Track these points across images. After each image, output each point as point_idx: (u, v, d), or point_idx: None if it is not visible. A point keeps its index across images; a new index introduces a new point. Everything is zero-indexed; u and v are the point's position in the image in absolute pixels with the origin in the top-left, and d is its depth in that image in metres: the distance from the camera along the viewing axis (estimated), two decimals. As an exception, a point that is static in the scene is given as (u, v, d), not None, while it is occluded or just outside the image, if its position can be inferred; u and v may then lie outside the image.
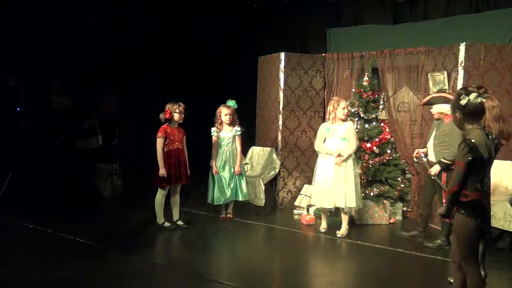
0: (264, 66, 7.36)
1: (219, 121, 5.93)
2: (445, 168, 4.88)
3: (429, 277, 4.29)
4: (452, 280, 3.69)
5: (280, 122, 6.89)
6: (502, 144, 3.00)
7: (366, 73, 6.32)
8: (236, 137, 5.98)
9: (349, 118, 6.24)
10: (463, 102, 2.89)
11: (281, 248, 5.25)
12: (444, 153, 4.88)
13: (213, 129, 5.98)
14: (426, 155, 5.12)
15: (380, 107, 6.27)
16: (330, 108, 5.46)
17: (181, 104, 5.47)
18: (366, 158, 6.06)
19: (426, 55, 6.15)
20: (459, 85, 5.45)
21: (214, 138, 5.98)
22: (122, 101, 7.73)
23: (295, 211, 6.62)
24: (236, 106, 6.04)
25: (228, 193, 5.95)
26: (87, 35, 7.04)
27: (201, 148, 6.31)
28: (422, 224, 5.37)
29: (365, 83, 6.23)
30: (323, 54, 7.24)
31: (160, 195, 5.50)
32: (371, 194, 5.99)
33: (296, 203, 6.76)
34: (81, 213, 6.36)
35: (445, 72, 5.66)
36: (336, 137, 5.40)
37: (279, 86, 6.88)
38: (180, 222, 5.65)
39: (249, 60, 7.87)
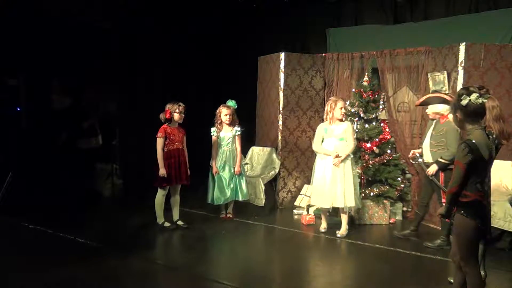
0: (264, 66, 7.36)
1: (219, 121, 5.93)
2: (443, 168, 4.89)
3: (429, 277, 4.29)
4: (452, 280, 3.69)
5: (280, 122, 6.89)
6: (503, 144, 3.00)
7: (366, 73, 6.31)
8: (236, 137, 5.99)
9: (349, 118, 6.27)
10: (464, 102, 2.89)
11: (281, 248, 5.25)
12: (442, 153, 4.89)
13: (213, 129, 5.98)
14: (421, 156, 5.12)
15: (380, 107, 6.27)
16: (327, 108, 5.47)
17: (181, 104, 5.47)
18: (366, 158, 6.06)
19: (426, 55, 6.16)
20: (459, 85, 5.45)
21: (214, 138, 5.98)
22: (122, 101, 7.73)
23: (295, 211, 6.62)
24: (236, 106, 6.05)
25: (228, 193, 5.95)
26: (87, 35, 7.04)
27: (201, 148, 6.32)
28: (415, 223, 5.36)
29: (365, 83, 6.23)
30: (323, 54, 7.23)
31: (160, 195, 5.50)
32: (371, 194, 5.99)
33: (296, 203, 6.76)
34: (81, 213, 6.36)
35: (445, 72, 5.67)
36: (334, 137, 5.41)
37: (279, 86, 6.88)
38: (180, 222, 5.65)
39: (249, 60, 7.87)
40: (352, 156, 5.50)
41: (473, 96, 2.87)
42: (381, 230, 5.88)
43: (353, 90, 6.46)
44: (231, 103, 6.03)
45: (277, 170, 6.84)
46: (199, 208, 6.51)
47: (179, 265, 4.51)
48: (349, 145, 5.38)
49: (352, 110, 6.26)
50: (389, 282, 4.13)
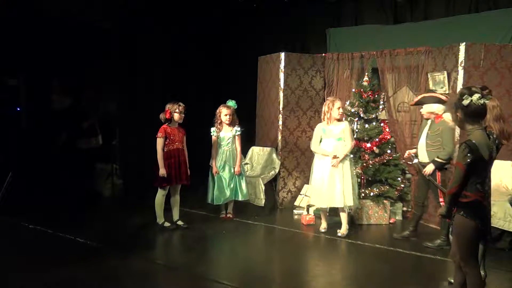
0: (264, 66, 7.36)
1: (218, 121, 5.93)
2: (440, 167, 4.90)
3: (429, 277, 4.29)
4: (452, 280, 3.69)
5: (280, 122, 6.89)
6: (503, 144, 3.00)
7: (366, 73, 6.31)
8: (236, 137, 5.99)
9: (349, 118, 6.27)
10: (466, 102, 2.89)
11: (281, 248, 5.25)
12: (438, 153, 4.91)
13: (212, 129, 5.98)
14: (416, 156, 5.13)
15: (380, 107, 6.27)
16: (325, 108, 5.47)
17: (181, 104, 5.47)
18: (366, 158, 6.06)
19: (426, 55, 6.15)
20: (459, 85, 5.45)
21: (213, 138, 5.98)
22: (122, 101, 7.73)
23: (295, 211, 6.62)
24: (236, 106, 6.05)
25: (228, 193, 5.95)
26: (87, 35, 7.04)
27: (201, 148, 6.32)
28: (413, 224, 5.36)
29: (365, 83, 6.23)
30: (323, 54, 7.23)
31: (160, 195, 5.50)
32: (371, 194, 5.99)
33: (296, 203, 6.76)
34: (81, 213, 6.36)
35: (445, 72, 5.67)
36: (332, 138, 5.42)
37: (279, 86, 6.88)
38: (180, 222, 5.65)
39: (249, 60, 7.87)
40: (350, 156, 5.52)
41: (475, 97, 2.86)
42: (381, 230, 5.87)
43: (353, 90, 6.45)
44: (231, 103, 6.03)
45: (277, 170, 6.84)
46: (199, 208, 6.51)
47: (179, 265, 4.51)
48: (347, 145, 5.39)
49: (352, 110, 6.26)
50: (389, 282, 4.13)
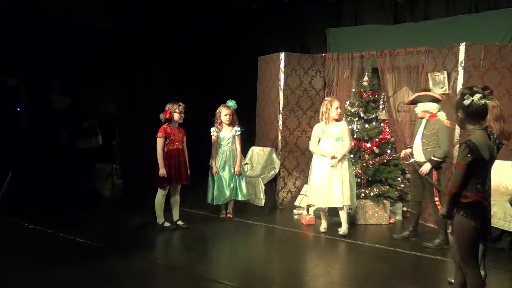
0: (264, 66, 7.36)
1: (218, 121, 5.94)
2: (436, 166, 4.91)
3: (429, 277, 4.29)
4: (452, 280, 3.69)
5: (280, 122, 6.89)
6: (503, 144, 3.00)
7: (366, 73, 6.31)
8: (236, 137, 5.99)
9: (349, 118, 6.28)
10: (467, 102, 2.88)
11: (281, 248, 5.25)
12: (434, 151, 4.92)
13: (212, 129, 5.98)
14: (412, 155, 5.13)
15: (380, 107, 6.27)
16: (323, 108, 5.47)
17: (181, 104, 5.47)
18: (366, 158, 6.06)
19: (426, 55, 6.15)
20: (459, 85, 5.45)
21: (213, 138, 5.98)
22: (122, 101, 7.73)
23: (295, 211, 6.62)
24: (236, 106, 6.05)
25: (228, 193, 5.95)
26: (87, 35, 7.04)
27: (201, 148, 6.32)
28: (412, 223, 5.37)
29: (365, 83, 6.23)
30: (323, 54, 7.23)
31: (160, 195, 5.50)
32: (371, 194, 5.99)
33: (296, 203, 6.76)
34: (81, 213, 6.36)
35: (445, 72, 5.66)
36: (331, 138, 5.43)
37: (279, 86, 6.88)
38: (180, 222, 5.65)
39: (249, 60, 7.87)
40: (348, 156, 5.55)
41: (476, 97, 2.86)
42: (381, 230, 5.87)
43: (353, 90, 6.45)
44: (231, 103, 6.03)
45: (277, 170, 6.84)
46: (199, 208, 6.50)
47: (179, 265, 4.51)
48: (346, 145, 5.41)
49: (352, 110, 6.26)
50: (389, 282, 4.13)
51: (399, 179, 6.09)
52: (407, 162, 5.34)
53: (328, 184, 5.37)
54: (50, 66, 6.88)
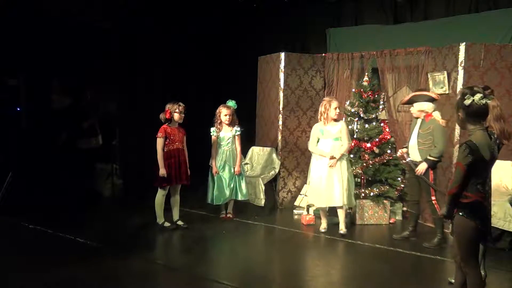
0: (264, 66, 7.36)
1: (218, 121, 5.94)
2: (432, 165, 4.92)
3: (429, 277, 4.29)
4: (452, 280, 3.69)
5: (280, 122, 6.89)
6: (503, 144, 3.00)
7: (366, 73, 6.32)
8: (236, 137, 5.99)
9: (349, 118, 6.28)
10: (467, 102, 2.88)
11: (281, 248, 5.25)
12: (429, 151, 4.94)
13: (212, 129, 5.98)
14: (408, 155, 5.14)
15: (380, 107, 6.27)
16: (321, 109, 5.49)
17: (181, 104, 5.47)
18: (366, 158, 6.06)
19: (426, 55, 6.15)
20: (459, 85, 5.45)
21: (213, 138, 5.98)
22: (122, 101, 7.72)
23: (295, 211, 6.62)
24: (236, 107, 6.05)
25: (228, 193, 5.95)
26: (87, 35, 7.04)
27: (201, 148, 6.32)
28: (412, 223, 5.37)
29: (365, 83, 6.23)
30: (323, 54, 7.23)
31: (160, 195, 5.50)
32: (371, 194, 5.99)
33: (296, 203, 6.76)
34: (81, 213, 6.36)
35: (445, 72, 5.66)
36: (330, 138, 5.46)
37: (279, 86, 6.88)
38: (180, 222, 5.65)
39: (249, 60, 7.86)
40: (347, 155, 5.58)
41: (477, 97, 2.85)
42: (381, 230, 5.87)
43: (353, 90, 6.46)
44: (231, 103, 6.03)
45: (277, 170, 6.84)
46: (199, 208, 6.50)
47: (179, 265, 4.51)
48: (344, 144, 5.42)
49: (352, 110, 6.26)
50: (389, 282, 4.13)
51: (399, 179, 6.09)
52: (404, 161, 5.36)
53: (327, 183, 5.39)
54: (50, 66, 6.88)
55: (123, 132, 7.70)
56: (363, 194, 5.98)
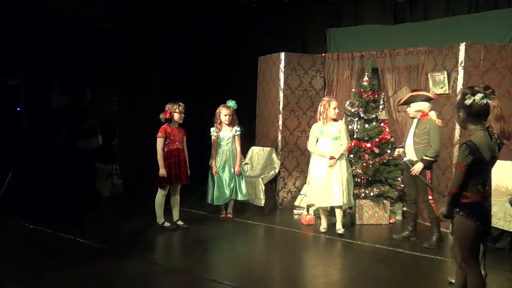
0: (264, 66, 7.36)
1: (218, 121, 5.94)
2: (428, 165, 4.92)
3: (429, 277, 4.29)
4: (452, 281, 3.69)
5: (280, 122, 6.89)
6: (504, 144, 3.00)
7: (366, 73, 6.31)
8: (236, 137, 5.99)
9: (349, 118, 6.28)
10: (468, 102, 2.88)
11: (281, 248, 5.25)
12: (425, 150, 4.95)
13: (212, 129, 5.98)
14: (404, 154, 5.15)
15: (380, 107, 6.27)
16: (321, 108, 5.50)
17: (181, 104, 5.47)
18: (366, 158, 6.06)
19: (426, 55, 6.15)
20: (459, 85, 5.45)
21: (213, 138, 5.98)
22: (122, 101, 7.72)
23: (295, 211, 6.62)
24: (235, 107, 6.05)
25: (228, 193, 5.96)
26: (87, 35, 7.03)
27: (201, 148, 6.32)
28: (411, 223, 5.37)
29: (365, 83, 6.23)
30: (323, 54, 7.24)
31: (160, 195, 5.50)
32: (371, 194, 5.99)
33: (296, 203, 6.76)
34: (81, 213, 6.35)
35: (445, 72, 5.67)
36: (329, 137, 5.48)
37: (279, 86, 6.88)
38: (180, 222, 5.65)
39: (249, 60, 7.86)
40: (346, 155, 5.60)
41: (478, 96, 2.85)
42: (381, 230, 5.87)
43: (353, 90, 6.46)
44: (231, 103, 6.03)
45: (277, 170, 6.84)
46: (199, 208, 6.51)
47: (179, 265, 4.52)
48: (343, 144, 5.44)
49: (352, 110, 6.26)
50: (389, 283, 4.13)
51: (399, 179, 6.09)
52: (401, 161, 5.37)
53: (326, 183, 5.40)
54: (50, 66, 6.88)
55: (123, 132, 7.69)
56: (363, 194, 5.98)
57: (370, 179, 6.09)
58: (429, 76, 5.95)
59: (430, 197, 5.02)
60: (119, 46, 7.54)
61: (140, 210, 6.17)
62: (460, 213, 2.91)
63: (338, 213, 5.55)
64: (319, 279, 4.24)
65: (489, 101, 2.86)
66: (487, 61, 5.48)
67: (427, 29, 6.80)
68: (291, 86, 6.89)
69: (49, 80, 7.23)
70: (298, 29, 8.42)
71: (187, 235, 5.45)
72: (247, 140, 7.19)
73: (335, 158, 5.37)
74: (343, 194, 5.40)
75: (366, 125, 6.18)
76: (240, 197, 6.04)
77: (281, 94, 6.85)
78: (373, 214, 6.04)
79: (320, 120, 5.53)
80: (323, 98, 5.73)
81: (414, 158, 5.05)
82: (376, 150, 6.08)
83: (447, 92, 5.66)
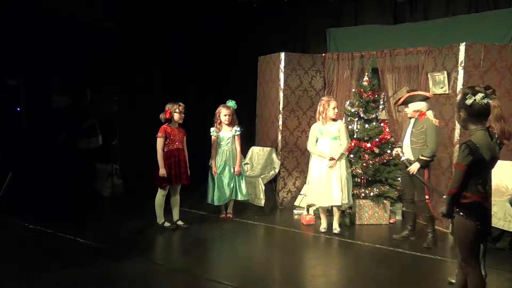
0: (264, 66, 7.36)
1: (218, 121, 5.94)
2: (425, 165, 4.94)
3: (429, 277, 4.29)
4: (452, 281, 3.69)
5: (280, 122, 6.89)
6: (504, 144, 3.00)
7: (366, 73, 6.31)
8: (236, 137, 5.99)
9: (349, 118, 6.28)
10: (469, 102, 2.88)
11: (281, 248, 5.25)
12: (422, 150, 4.96)
13: (212, 129, 5.98)
14: (402, 153, 5.16)
15: (380, 107, 6.27)
16: (320, 108, 5.50)
17: (181, 104, 5.47)
18: (366, 158, 6.06)
19: (426, 55, 6.16)
20: (459, 85, 5.45)
21: (213, 138, 5.98)
22: (122, 101, 7.72)
23: (295, 211, 6.62)
24: (235, 107, 6.05)
25: (228, 193, 5.96)
26: (87, 35, 7.03)
27: (201, 148, 6.32)
28: (410, 223, 5.38)
29: (365, 83, 6.23)
30: (323, 54, 7.24)
31: (160, 195, 5.50)
32: (371, 194, 5.99)
33: (296, 203, 6.76)
34: (81, 213, 6.35)
35: (445, 72, 5.67)
36: (328, 137, 5.49)
37: (279, 86, 6.88)
38: (180, 222, 5.65)
39: (249, 60, 7.86)
40: (346, 155, 5.62)
41: (479, 96, 2.85)
42: (381, 230, 5.87)
43: (353, 90, 6.46)
44: (231, 103, 6.03)
45: (277, 170, 6.84)
46: (199, 208, 6.51)
47: (179, 265, 4.52)
48: (343, 144, 5.44)
49: (352, 110, 6.26)
50: (389, 282, 4.13)
51: (399, 179, 6.08)
52: (399, 161, 5.37)
53: (326, 183, 5.41)
54: (50, 66, 6.88)
55: (123, 132, 7.69)
56: (363, 194, 5.99)
57: (370, 179, 6.09)
58: (429, 76, 5.95)
59: (427, 197, 5.03)
60: (119, 46, 7.54)
61: (140, 210, 6.18)
62: (460, 213, 2.91)
63: (336, 213, 5.57)
64: (319, 279, 4.24)
65: (489, 101, 2.85)
66: (487, 61, 5.48)
67: (427, 29, 6.81)
68: (291, 86, 6.89)
69: (49, 80, 7.22)
70: (298, 29, 8.42)
71: (187, 235, 5.45)
72: (247, 140, 7.19)
73: (334, 159, 5.37)
74: (342, 193, 5.41)
75: (366, 125, 6.18)
76: (240, 197, 6.04)
77: (281, 94, 6.85)
78: (373, 214, 6.04)
79: (319, 120, 5.53)
80: (322, 98, 5.73)
81: (411, 158, 5.06)
82: (376, 150, 6.09)
83: (447, 92, 5.66)
